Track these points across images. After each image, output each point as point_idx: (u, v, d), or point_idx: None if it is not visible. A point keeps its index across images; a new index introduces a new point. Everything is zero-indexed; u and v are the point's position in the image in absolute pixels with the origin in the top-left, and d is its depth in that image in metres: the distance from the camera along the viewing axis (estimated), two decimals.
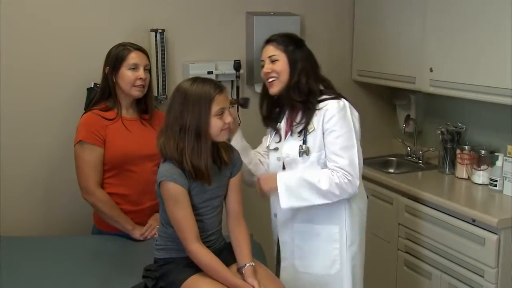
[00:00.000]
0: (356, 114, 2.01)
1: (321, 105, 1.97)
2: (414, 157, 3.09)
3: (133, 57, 2.22)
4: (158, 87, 2.66)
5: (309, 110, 1.97)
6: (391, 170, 3.09)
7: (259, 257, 2.03)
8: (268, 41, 2.03)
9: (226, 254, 1.87)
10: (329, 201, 1.92)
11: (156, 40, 2.64)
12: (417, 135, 3.13)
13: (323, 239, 2.04)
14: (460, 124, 2.82)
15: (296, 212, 2.05)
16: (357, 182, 1.91)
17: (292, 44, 2.00)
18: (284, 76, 1.98)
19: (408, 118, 3.15)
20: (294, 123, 2.01)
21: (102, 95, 2.27)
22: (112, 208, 2.21)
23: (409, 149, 3.13)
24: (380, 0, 3.03)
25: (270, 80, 1.99)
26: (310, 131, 1.97)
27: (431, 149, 2.99)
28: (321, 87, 2.04)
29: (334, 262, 2.02)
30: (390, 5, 2.95)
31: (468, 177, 2.68)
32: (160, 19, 2.69)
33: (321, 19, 3.13)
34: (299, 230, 2.06)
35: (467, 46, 2.51)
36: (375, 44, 3.09)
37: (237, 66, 2.81)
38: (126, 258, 2.09)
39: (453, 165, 2.78)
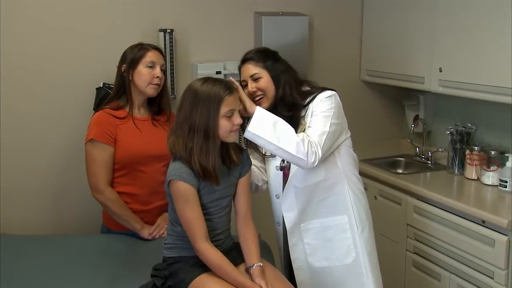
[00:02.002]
0: (340, 104, 2.01)
1: (313, 102, 1.96)
2: (422, 157, 3.07)
3: (151, 56, 2.23)
4: None
5: (294, 124, 1.95)
6: (400, 171, 3.08)
7: (267, 257, 2.03)
8: (245, 60, 2.01)
9: (235, 253, 1.88)
10: (292, 152, 1.83)
11: (164, 40, 2.64)
12: (426, 136, 3.12)
13: (334, 231, 2.03)
14: (469, 124, 2.80)
15: (301, 213, 2.05)
16: (320, 155, 1.87)
17: (269, 58, 2.00)
18: (271, 92, 1.98)
19: (417, 118, 3.14)
20: None
21: (117, 93, 2.28)
22: (121, 207, 2.22)
23: (417, 149, 3.12)
24: (389, 0, 3.02)
25: (257, 98, 1.98)
26: (303, 130, 1.95)
27: (440, 149, 2.97)
28: (307, 88, 2.04)
29: (349, 251, 2.02)
30: (399, 5, 2.94)
31: (478, 178, 2.67)
32: (168, 19, 2.69)
33: (330, 19, 3.12)
34: (307, 229, 2.06)
35: (476, 46, 2.50)
36: (384, 44, 3.08)
37: None
38: (135, 257, 2.09)
39: (462, 165, 2.76)
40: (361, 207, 2.06)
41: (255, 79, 1.98)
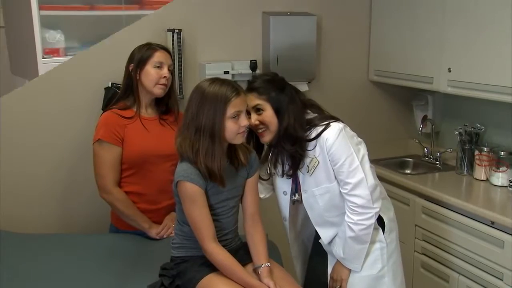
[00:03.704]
0: (351, 133, 1.96)
1: (319, 139, 1.91)
2: (431, 158, 3.06)
3: (159, 56, 2.23)
4: None
5: (295, 158, 1.94)
6: (408, 171, 3.07)
7: (275, 257, 2.03)
8: (249, 90, 1.92)
9: (242, 253, 1.88)
10: (370, 229, 1.92)
11: (173, 40, 2.65)
12: (434, 136, 3.10)
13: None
14: (478, 125, 2.78)
15: (338, 230, 2.03)
16: (370, 202, 1.89)
17: (274, 89, 1.91)
18: (273, 126, 1.92)
19: (425, 118, 3.12)
20: (286, 167, 1.99)
21: (125, 93, 2.29)
22: (129, 207, 2.23)
23: (426, 150, 3.10)
24: (397, 0, 3.01)
25: (260, 131, 1.94)
26: (315, 165, 1.93)
27: (448, 150, 2.96)
28: (310, 115, 1.98)
29: (375, 261, 2.02)
30: (408, 5, 2.93)
31: (487, 179, 2.65)
32: (176, 19, 2.70)
33: (338, 19, 3.11)
34: (340, 236, 2.04)
35: (485, 46, 2.48)
36: (392, 44, 3.06)
37: (253, 66, 2.81)
38: (143, 257, 2.10)
39: (471, 166, 2.74)
40: (391, 219, 2.06)
41: (258, 110, 1.91)
